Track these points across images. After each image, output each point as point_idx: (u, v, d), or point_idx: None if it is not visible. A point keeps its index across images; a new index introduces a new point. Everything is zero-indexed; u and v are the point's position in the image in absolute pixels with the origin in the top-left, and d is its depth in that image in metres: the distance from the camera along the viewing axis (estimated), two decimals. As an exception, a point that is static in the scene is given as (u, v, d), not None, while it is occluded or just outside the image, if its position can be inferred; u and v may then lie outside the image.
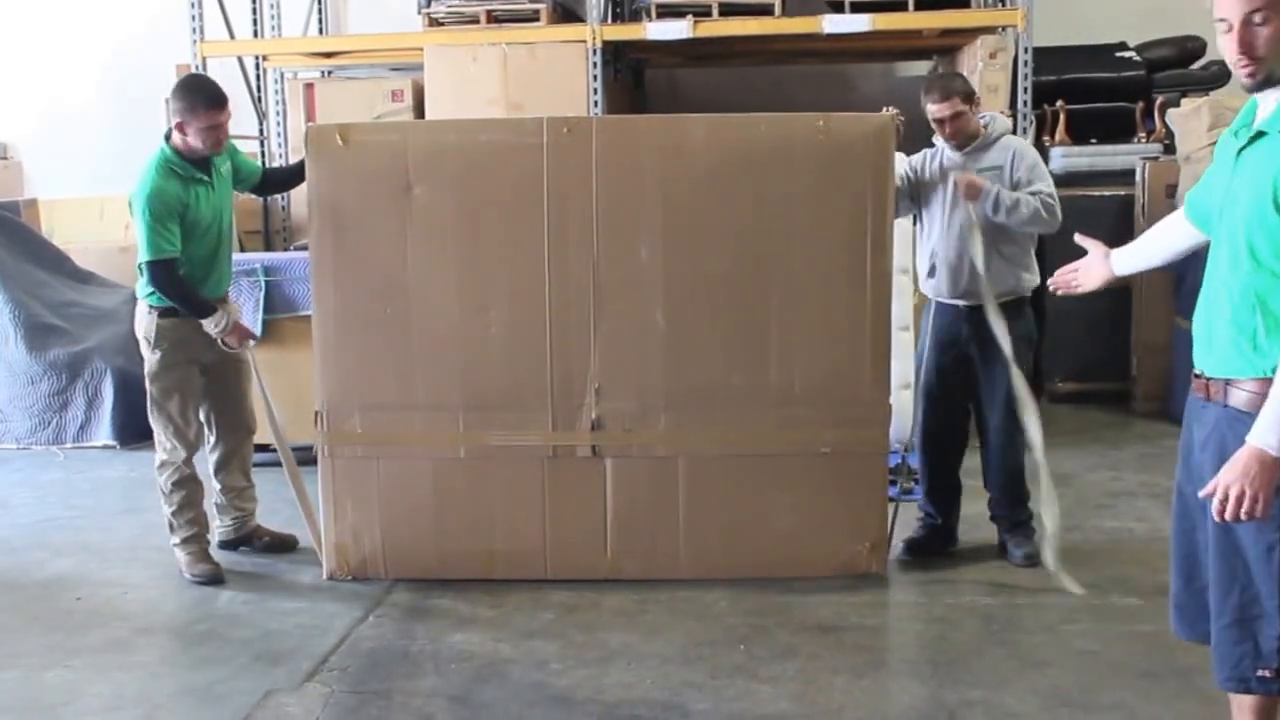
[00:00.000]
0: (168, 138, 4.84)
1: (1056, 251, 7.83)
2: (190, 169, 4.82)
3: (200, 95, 4.77)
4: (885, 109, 4.73)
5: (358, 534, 4.89)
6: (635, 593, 4.72)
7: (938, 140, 4.89)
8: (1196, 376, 2.88)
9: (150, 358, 4.94)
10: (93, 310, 7.73)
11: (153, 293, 4.88)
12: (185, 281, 4.83)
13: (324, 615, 4.60)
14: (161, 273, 4.76)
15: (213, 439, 5.21)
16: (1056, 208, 4.72)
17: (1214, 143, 6.98)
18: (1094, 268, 3.35)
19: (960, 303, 4.86)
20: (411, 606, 4.69)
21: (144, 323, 4.94)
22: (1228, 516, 2.61)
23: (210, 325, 4.84)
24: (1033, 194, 4.71)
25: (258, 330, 6.40)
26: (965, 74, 7.97)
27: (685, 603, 4.64)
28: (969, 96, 4.81)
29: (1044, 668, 4.05)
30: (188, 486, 5.02)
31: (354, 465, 4.86)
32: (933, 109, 4.78)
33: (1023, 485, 5.01)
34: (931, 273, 4.89)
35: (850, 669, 4.07)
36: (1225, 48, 2.65)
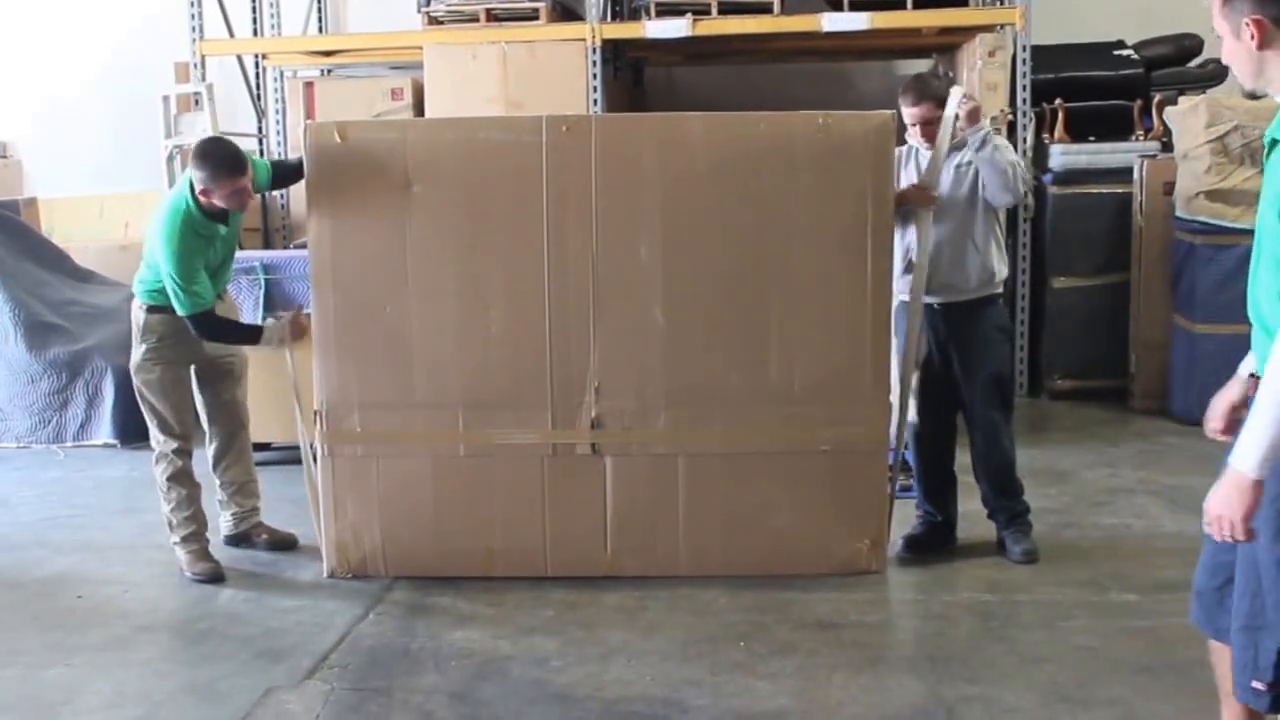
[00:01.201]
0: (190, 187, 4.78)
1: (1056, 245, 7.92)
2: (211, 225, 4.83)
3: (222, 167, 4.71)
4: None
5: (358, 532, 4.90)
6: (635, 590, 4.73)
7: (911, 138, 4.91)
8: (1252, 376, 2.87)
9: (136, 350, 4.98)
10: (93, 309, 7.73)
11: (147, 291, 4.92)
12: (226, 321, 4.95)
13: (324, 613, 4.61)
14: (203, 324, 4.81)
15: (209, 436, 5.23)
16: (1023, 182, 4.86)
17: (1211, 140, 7.06)
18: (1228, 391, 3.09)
19: (934, 300, 4.88)
20: (412, 604, 4.70)
21: (135, 316, 5.00)
22: (1220, 539, 2.62)
23: (264, 344, 4.90)
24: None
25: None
26: (966, 70, 8.01)
27: (685, 600, 4.65)
28: (942, 100, 4.80)
29: (1042, 664, 4.06)
30: (183, 482, 5.04)
31: (354, 464, 4.87)
32: (908, 112, 4.81)
33: (1013, 477, 5.03)
34: (907, 269, 4.89)
35: (849, 665, 4.09)
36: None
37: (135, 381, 5.01)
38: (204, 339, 4.90)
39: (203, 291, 4.77)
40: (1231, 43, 2.68)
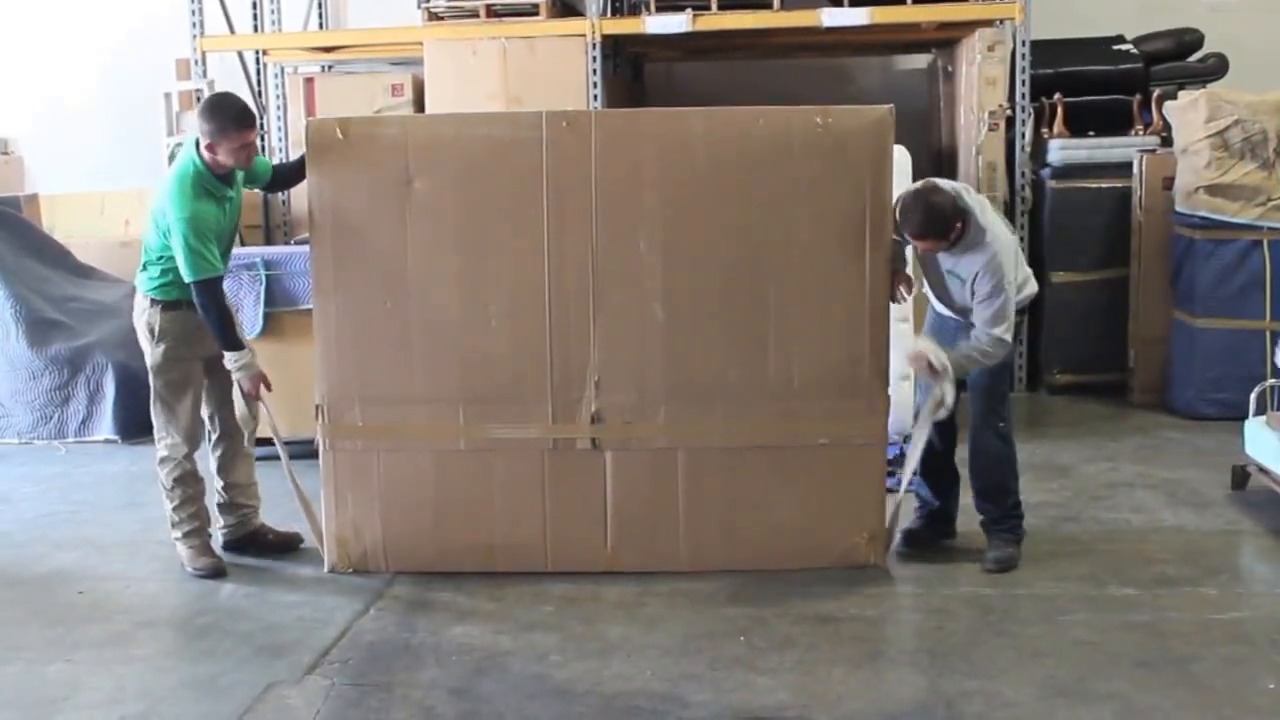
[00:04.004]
0: (195, 146, 4.77)
1: (1055, 240, 7.92)
2: (220, 186, 4.80)
3: (229, 118, 4.71)
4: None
5: (358, 527, 4.91)
6: (635, 585, 4.74)
7: None
8: None
9: (154, 351, 4.94)
10: (94, 305, 7.74)
11: (156, 286, 4.89)
12: (226, 307, 4.85)
13: (325, 608, 4.62)
14: (206, 292, 4.73)
15: (214, 436, 5.20)
16: (1001, 337, 4.57)
17: (1210, 134, 7.06)
18: None
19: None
20: (412, 599, 4.71)
21: (146, 315, 4.94)
22: None
23: (232, 360, 4.82)
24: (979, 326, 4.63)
25: (259, 325, 6.44)
26: (965, 64, 8.01)
27: (684, 594, 4.66)
28: (944, 235, 4.57)
29: (1041, 658, 4.07)
30: (189, 482, 5.03)
31: (355, 458, 4.88)
32: (910, 239, 4.64)
33: (996, 480, 4.90)
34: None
35: (849, 660, 4.10)
36: None
37: (155, 384, 4.96)
38: (200, 308, 4.75)
39: (212, 258, 4.73)
40: None
